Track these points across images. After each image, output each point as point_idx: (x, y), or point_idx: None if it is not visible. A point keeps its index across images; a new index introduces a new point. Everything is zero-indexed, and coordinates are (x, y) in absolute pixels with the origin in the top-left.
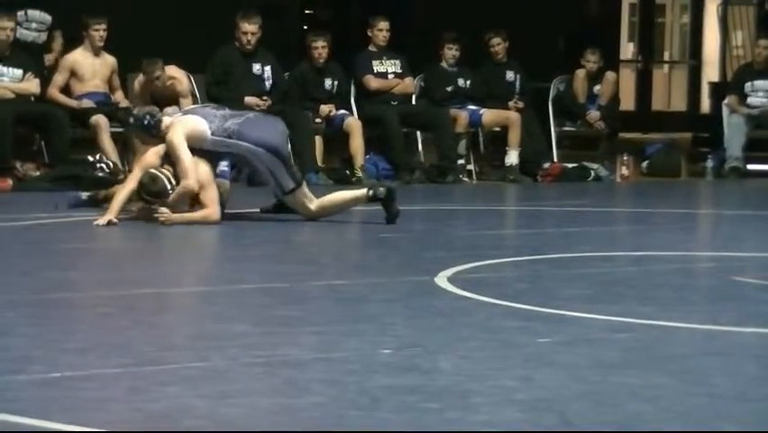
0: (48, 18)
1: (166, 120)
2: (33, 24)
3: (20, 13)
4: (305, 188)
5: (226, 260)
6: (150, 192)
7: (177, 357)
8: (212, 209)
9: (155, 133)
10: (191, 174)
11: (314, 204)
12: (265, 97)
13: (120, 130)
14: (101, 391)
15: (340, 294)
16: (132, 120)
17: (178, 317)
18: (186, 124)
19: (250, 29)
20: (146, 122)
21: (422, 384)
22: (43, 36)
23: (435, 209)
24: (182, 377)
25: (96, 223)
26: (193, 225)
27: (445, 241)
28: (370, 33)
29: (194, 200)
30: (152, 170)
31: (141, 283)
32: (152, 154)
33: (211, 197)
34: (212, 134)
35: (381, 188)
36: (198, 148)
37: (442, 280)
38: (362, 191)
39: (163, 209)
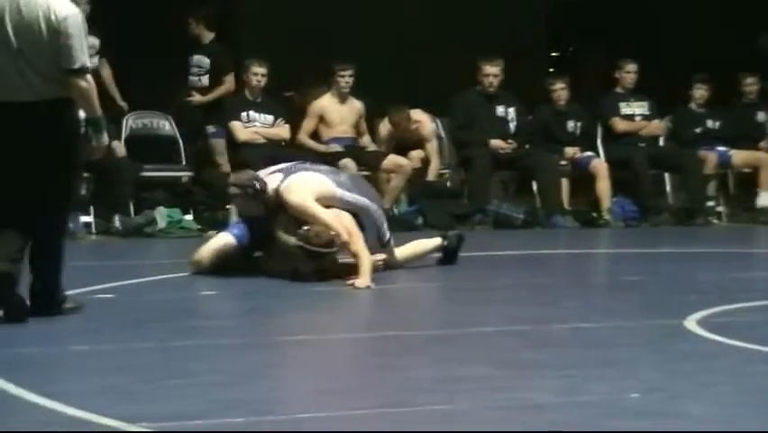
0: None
1: (272, 182)
2: (195, 69)
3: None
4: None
5: (468, 302)
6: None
7: (421, 399)
8: (365, 258)
9: (262, 199)
10: (339, 227)
11: (397, 254)
12: (510, 141)
13: (368, 173)
14: None
15: (585, 337)
16: (235, 189)
17: (421, 360)
18: (308, 183)
19: (492, 71)
20: (256, 187)
21: (670, 429)
22: (204, 80)
23: (684, 252)
24: (428, 419)
25: (355, 285)
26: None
27: (694, 284)
28: (617, 75)
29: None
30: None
31: (383, 326)
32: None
33: (361, 244)
34: (338, 187)
35: (453, 237)
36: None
37: (691, 323)
38: (438, 240)
39: (355, 280)
